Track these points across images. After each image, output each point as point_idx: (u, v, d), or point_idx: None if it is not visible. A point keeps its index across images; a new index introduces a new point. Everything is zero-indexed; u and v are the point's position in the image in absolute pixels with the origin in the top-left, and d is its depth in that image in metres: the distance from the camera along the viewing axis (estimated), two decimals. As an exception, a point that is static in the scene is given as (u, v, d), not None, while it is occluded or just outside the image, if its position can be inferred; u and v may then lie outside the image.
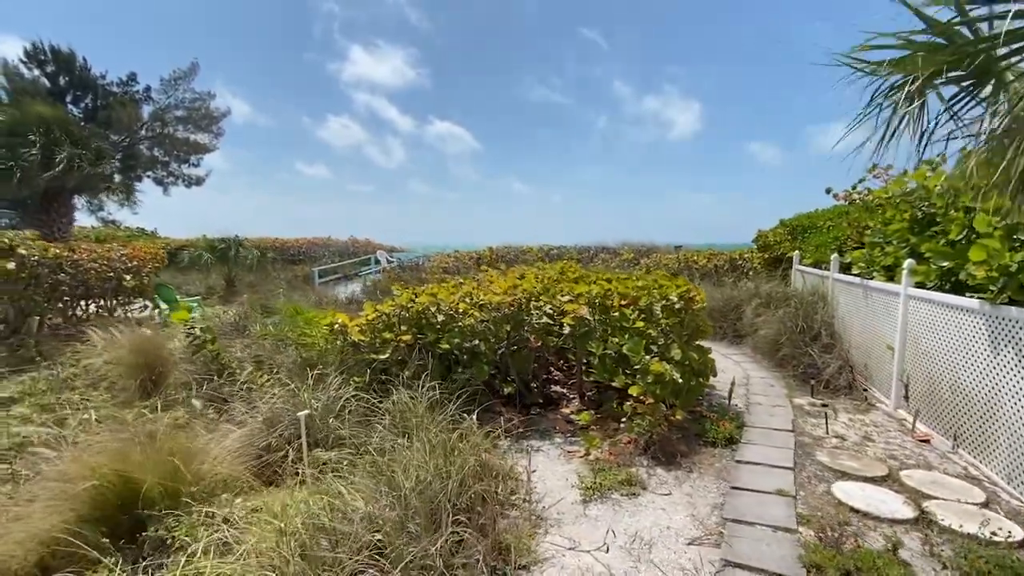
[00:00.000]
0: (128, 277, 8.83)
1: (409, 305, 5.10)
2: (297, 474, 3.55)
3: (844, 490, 3.33)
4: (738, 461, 3.84)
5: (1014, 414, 3.35)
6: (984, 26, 2.15)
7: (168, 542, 2.39)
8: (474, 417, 3.97)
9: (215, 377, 4.96)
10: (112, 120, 38.69)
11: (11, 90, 37.29)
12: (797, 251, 9.63)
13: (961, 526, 2.86)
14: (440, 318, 5.04)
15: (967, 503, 3.16)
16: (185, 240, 21.00)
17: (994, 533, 2.73)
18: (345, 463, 3.46)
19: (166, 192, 30.44)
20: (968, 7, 1.93)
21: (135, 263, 9.15)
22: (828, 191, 12.43)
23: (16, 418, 4.38)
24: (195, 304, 11.57)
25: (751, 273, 10.79)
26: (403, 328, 4.99)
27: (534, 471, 3.84)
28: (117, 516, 2.49)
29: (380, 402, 4.28)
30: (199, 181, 48.78)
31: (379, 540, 2.45)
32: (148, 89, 44.26)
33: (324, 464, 3.54)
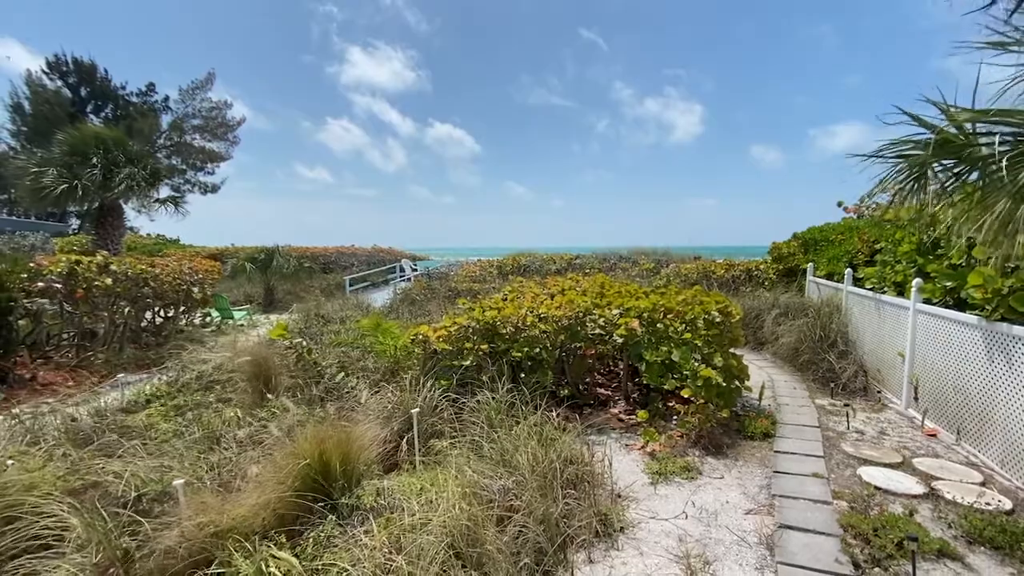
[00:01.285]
0: (196, 289, 9.62)
1: (481, 318, 5.86)
2: (412, 461, 4.33)
3: (867, 473, 4.08)
4: (776, 451, 4.59)
5: (1005, 412, 4.10)
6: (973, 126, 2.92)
7: (358, 507, 3.16)
8: (554, 414, 4.74)
9: (317, 381, 5.73)
10: (134, 130, 39.75)
11: (33, 100, 38.08)
12: (811, 263, 10.37)
13: (963, 499, 3.60)
14: (509, 329, 5.80)
15: (968, 483, 3.91)
16: (215, 248, 21.84)
17: (988, 503, 3.48)
18: (456, 451, 4.24)
19: (182, 199, 31.39)
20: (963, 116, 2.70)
21: (200, 276, 9.95)
22: (839, 204, 13.21)
23: (158, 414, 5.16)
24: (245, 312, 12.38)
25: (766, 283, 11.53)
26: (476, 338, 5.76)
27: (604, 460, 4.59)
28: (315, 489, 3.24)
29: (465, 402, 5.06)
30: (214, 189, 49.58)
31: (518, 504, 3.21)
32: (167, 99, 44.98)
33: (437, 453, 4.33)
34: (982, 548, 3.08)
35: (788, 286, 11.01)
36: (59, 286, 7.08)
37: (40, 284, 6.90)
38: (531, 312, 5.92)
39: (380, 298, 15.45)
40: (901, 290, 6.31)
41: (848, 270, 7.92)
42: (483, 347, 5.58)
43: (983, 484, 3.93)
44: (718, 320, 5.55)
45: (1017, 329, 3.98)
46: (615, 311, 6.04)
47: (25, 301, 6.61)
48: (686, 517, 3.57)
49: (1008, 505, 3.53)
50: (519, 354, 5.59)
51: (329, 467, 3.34)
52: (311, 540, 2.84)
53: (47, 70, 39.13)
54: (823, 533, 3.22)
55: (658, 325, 5.77)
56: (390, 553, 2.52)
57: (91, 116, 41.24)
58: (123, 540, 2.79)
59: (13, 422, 4.73)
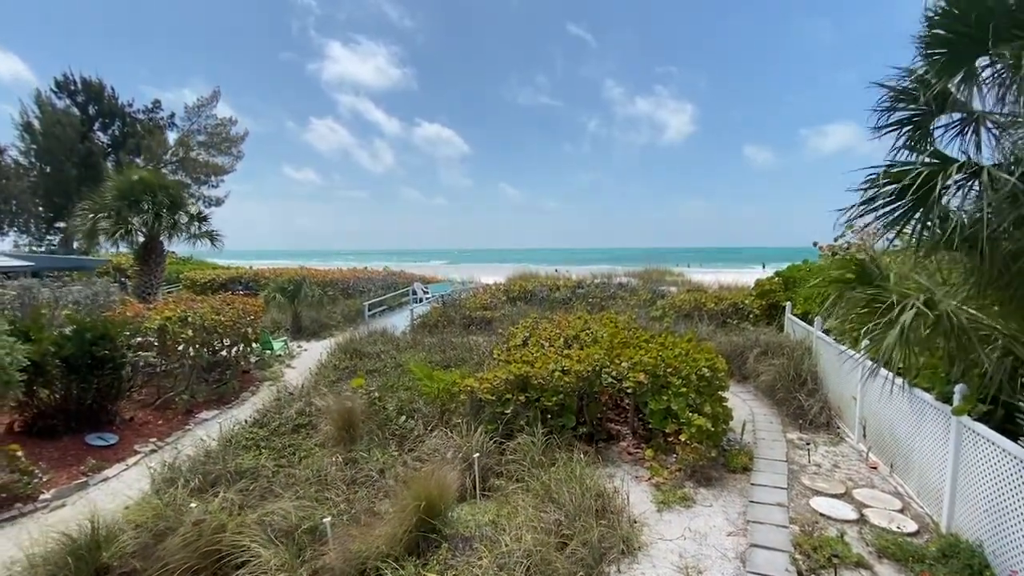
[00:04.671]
0: (250, 329, 10.91)
1: (517, 372, 7.20)
2: (475, 495, 5.68)
3: (816, 502, 5.49)
4: (752, 484, 5.99)
5: (920, 454, 5.53)
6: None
7: (454, 535, 4.50)
8: (579, 452, 6.12)
9: (385, 425, 7.06)
10: (142, 148, 40.68)
11: (44, 120, 39.00)
12: (789, 302, 11.83)
13: (881, 523, 5.01)
14: (539, 381, 7.16)
15: (889, 510, 5.32)
16: (236, 270, 23.03)
17: (898, 527, 4.90)
18: (510, 488, 5.60)
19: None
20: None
21: (252, 317, 11.23)
22: (815, 244, 14.72)
23: (265, 457, 6.46)
24: (282, 343, 13.66)
25: (751, 317, 12.98)
26: (514, 389, 7.11)
27: (621, 493, 5.94)
28: (424, 521, 4.58)
29: (508, 444, 6.43)
30: (219, 202, 50.48)
31: (569, 532, 4.57)
32: (172, 116, 46.05)
33: (495, 488, 5.69)
34: (887, 560, 4.48)
35: (771, 321, 12.48)
36: (153, 340, 8.35)
37: (139, 339, 8.17)
38: (558, 366, 7.28)
39: (399, 323, 16.73)
40: (856, 344, 7.74)
41: (818, 319, 9.36)
42: (521, 397, 6.94)
43: (901, 511, 5.34)
44: (707, 375, 6.95)
45: (926, 396, 5.41)
46: (625, 364, 7.41)
47: (130, 354, 7.88)
48: (684, 538, 4.96)
49: (913, 527, 4.95)
50: (550, 402, 6.94)
51: (434, 505, 4.68)
52: (435, 561, 4.18)
53: (56, 89, 40.05)
54: (780, 550, 4.62)
55: (659, 374, 7.15)
56: (498, 571, 3.88)
57: (99, 134, 42.24)
58: (308, 565, 4.13)
59: (160, 466, 6.02)
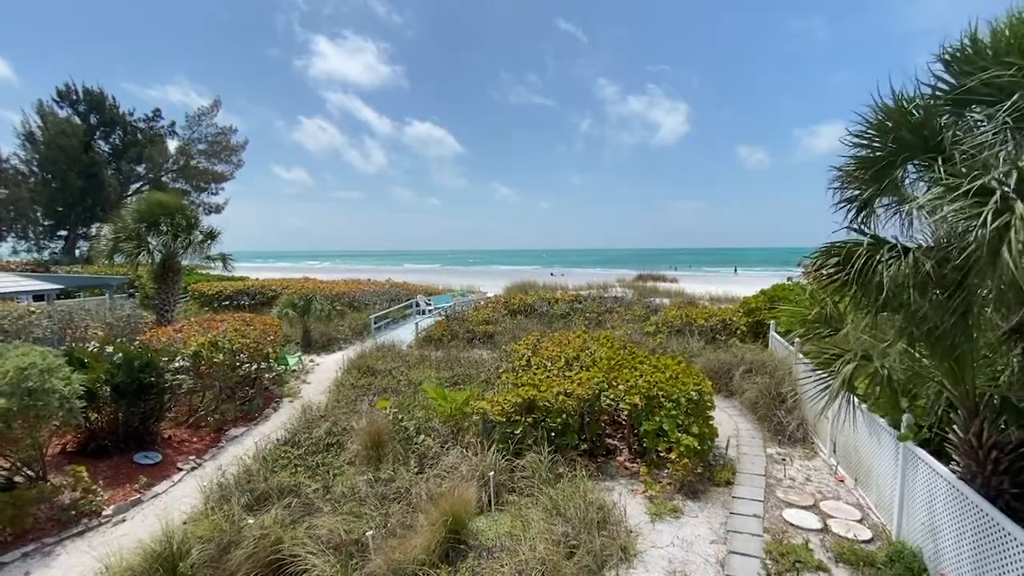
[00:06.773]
0: (272, 349, 11.65)
1: (525, 396, 8.00)
2: (490, 508, 6.47)
3: (788, 513, 6.33)
4: (734, 496, 6.83)
5: (878, 471, 6.38)
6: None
7: (476, 544, 5.30)
8: (580, 468, 6.93)
9: (406, 443, 7.84)
10: (143, 157, 41.27)
11: (47, 130, 39.47)
12: (774, 320, 12.69)
13: (841, 531, 5.86)
14: (545, 403, 7.97)
15: (850, 520, 6.17)
16: (242, 283, 23.68)
17: (855, 535, 5.74)
18: (522, 502, 6.40)
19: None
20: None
21: (272, 336, 11.97)
22: (798, 263, 15.62)
23: (301, 475, 7.22)
24: (296, 358, 14.40)
25: (738, 332, 13.85)
26: (523, 411, 7.91)
27: (619, 505, 6.75)
28: (451, 533, 5.37)
29: (518, 462, 7.22)
30: (218, 209, 50.95)
31: (576, 543, 5.37)
32: (172, 124, 46.59)
33: (508, 503, 6.49)
34: (842, 565, 5.33)
35: (757, 337, 13.35)
36: (188, 365, 9.09)
37: (176, 364, 8.91)
38: (561, 389, 8.10)
39: (405, 336, 17.50)
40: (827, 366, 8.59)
41: (797, 340, 10.22)
42: (529, 419, 7.74)
43: (860, 520, 6.19)
44: (695, 397, 7.79)
45: (881, 421, 6.27)
46: (622, 387, 8.24)
47: (168, 377, 8.61)
48: (674, 546, 5.79)
49: (868, 535, 5.80)
50: (554, 423, 7.76)
51: (459, 518, 5.48)
52: (464, 568, 4.98)
53: (57, 99, 40.46)
54: (753, 556, 5.45)
55: (652, 395, 7.98)
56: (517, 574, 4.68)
57: (100, 143, 42.65)
58: (358, 572, 4.91)
59: (210, 483, 6.76)
